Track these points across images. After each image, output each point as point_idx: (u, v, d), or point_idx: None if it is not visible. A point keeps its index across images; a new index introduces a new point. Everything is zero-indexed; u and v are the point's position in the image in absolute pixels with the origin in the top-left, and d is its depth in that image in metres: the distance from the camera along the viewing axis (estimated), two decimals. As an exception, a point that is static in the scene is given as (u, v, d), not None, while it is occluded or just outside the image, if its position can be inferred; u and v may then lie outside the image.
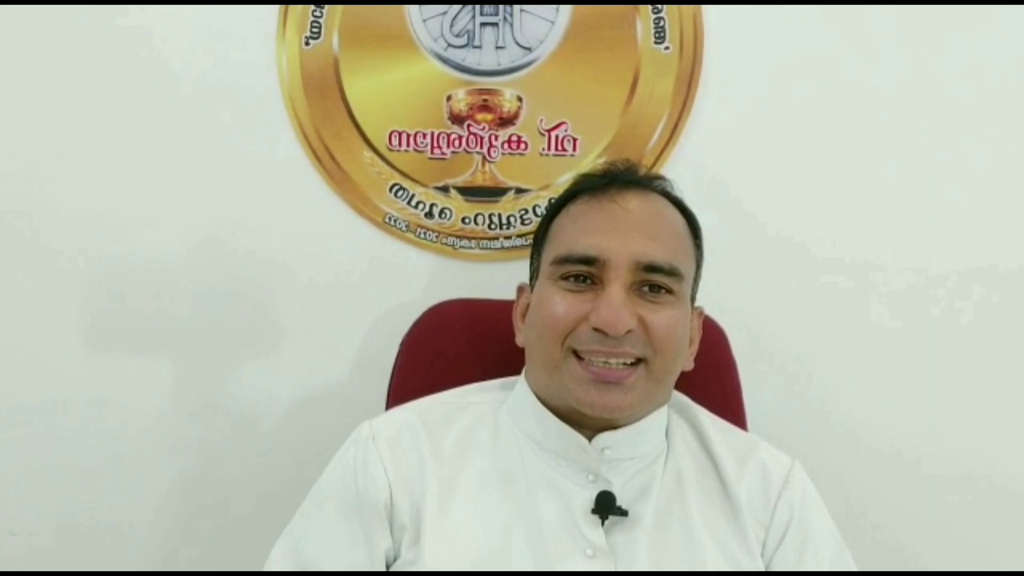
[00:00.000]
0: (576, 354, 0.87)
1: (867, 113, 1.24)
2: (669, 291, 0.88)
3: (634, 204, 0.90)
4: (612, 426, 0.89)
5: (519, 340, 0.96)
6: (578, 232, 0.90)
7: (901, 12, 1.22)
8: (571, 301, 0.87)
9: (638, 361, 0.87)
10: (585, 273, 0.88)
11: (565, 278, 0.89)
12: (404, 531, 0.88)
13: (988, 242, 1.26)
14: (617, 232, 0.88)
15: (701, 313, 0.98)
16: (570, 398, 0.87)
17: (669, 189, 0.95)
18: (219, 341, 1.25)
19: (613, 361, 0.86)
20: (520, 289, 0.99)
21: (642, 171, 0.96)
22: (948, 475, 1.28)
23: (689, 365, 0.94)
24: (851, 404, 1.27)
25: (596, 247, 0.87)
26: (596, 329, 0.85)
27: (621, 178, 0.93)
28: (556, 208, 0.96)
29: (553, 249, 0.91)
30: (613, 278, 0.86)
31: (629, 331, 0.85)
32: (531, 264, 0.98)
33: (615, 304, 0.85)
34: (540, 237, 0.97)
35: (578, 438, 0.89)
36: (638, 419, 0.90)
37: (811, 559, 0.90)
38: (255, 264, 1.25)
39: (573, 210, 0.93)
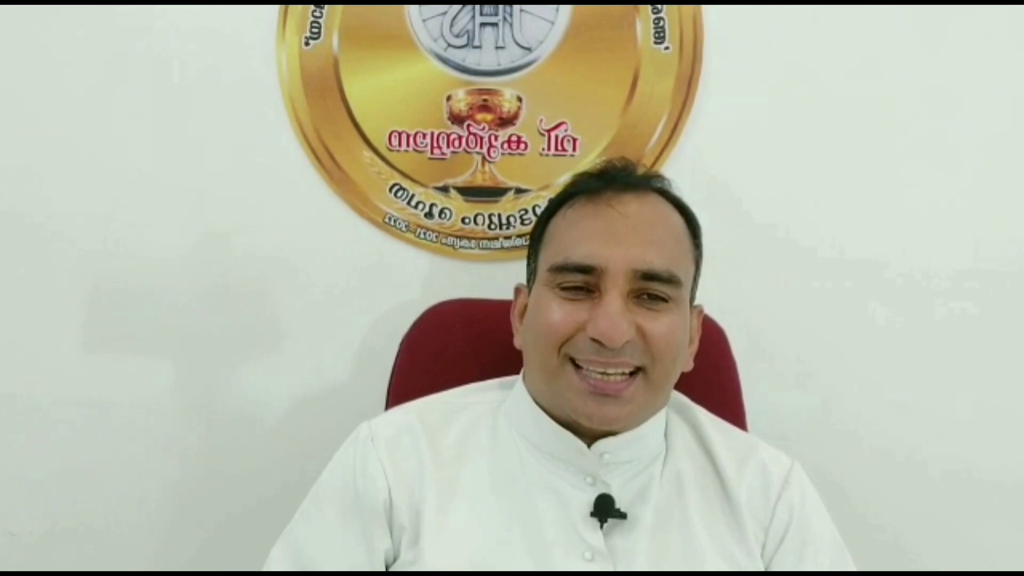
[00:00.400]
0: (573, 363, 0.86)
1: (867, 113, 1.24)
2: (667, 299, 0.87)
3: (632, 208, 0.89)
4: (610, 433, 0.89)
5: (517, 342, 0.96)
6: (575, 238, 0.89)
7: (901, 12, 1.22)
8: (568, 310, 0.86)
9: (636, 370, 0.86)
10: (582, 282, 0.87)
11: (562, 286, 0.88)
12: (403, 532, 0.87)
13: (988, 242, 1.26)
14: (615, 239, 0.87)
15: (701, 312, 0.97)
16: (568, 408, 0.87)
17: (667, 188, 0.94)
18: (219, 341, 1.25)
19: (611, 371, 0.85)
20: (517, 290, 0.99)
21: (640, 170, 0.95)
22: (948, 475, 1.28)
23: (689, 365, 0.93)
24: (851, 404, 1.27)
25: (593, 256, 0.86)
26: (594, 339, 0.84)
27: (618, 179, 0.92)
28: (552, 209, 0.95)
29: (550, 254, 0.91)
30: (611, 287, 0.85)
31: (627, 341, 0.84)
32: (528, 265, 0.98)
33: (612, 315, 0.84)
34: (536, 238, 0.96)
35: (576, 443, 0.89)
36: (637, 425, 0.90)
37: (811, 560, 0.90)
38: (255, 264, 1.25)
39: (570, 213, 0.92)
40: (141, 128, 1.22)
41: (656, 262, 0.86)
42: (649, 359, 0.86)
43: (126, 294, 1.24)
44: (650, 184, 0.93)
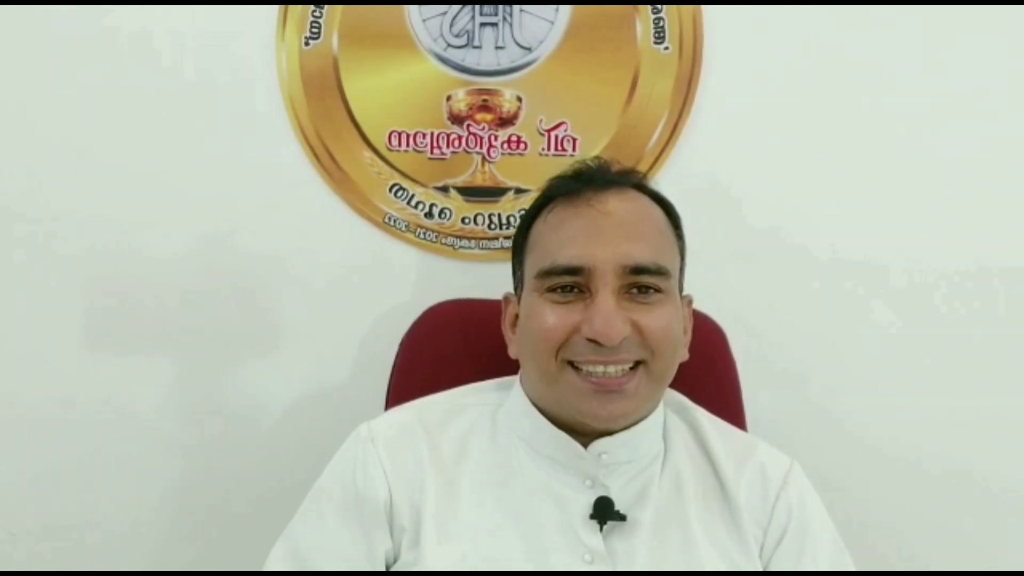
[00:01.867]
0: (572, 365, 0.86)
1: (867, 113, 1.24)
2: (658, 290, 0.87)
3: (612, 205, 0.88)
4: (609, 431, 0.89)
5: (512, 352, 0.95)
6: (560, 242, 0.88)
7: (901, 11, 1.22)
8: (560, 313, 0.86)
9: (637, 364, 0.86)
10: (572, 283, 0.86)
11: (552, 290, 0.87)
12: (404, 532, 0.87)
13: (989, 242, 1.26)
14: (599, 238, 0.86)
15: (690, 301, 0.97)
16: (572, 410, 0.86)
17: (644, 183, 0.94)
18: (219, 341, 1.25)
19: (612, 368, 0.85)
20: (506, 299, 0.98)
21: (615, 167, 0.94)
22: (948, 475, 1.28)
23: (685, 356, 0.93)
24: (851, 405, 1.27)
25: (580, 256, 0.86)
26: (590, 340, 0.84)
27: (596, 178, 0.92)
28: (532, 214, 0.94)
29: (536, 260, 0.90)
30: (601, 286, 0.85)
31: (624, 338, 0.84)
32: (514, 273, 0.97)
33: (606, 313, 0.83)
34: (519, 245, 0.95)
35: (574, 445, 0.89)
36: (636, 422, 0.90)
37: (809, 560, 0.90)
38: (255, 264, 1.25)
39: (551, 218, 0.91)
40: (141, 128, 1.22)
41: (643, 256, 0.86)
42: (648, 352, 0.86)
43: (126, 294, 1.24)
44: (627, 180, 0.93)
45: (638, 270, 0.86)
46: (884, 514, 1.28)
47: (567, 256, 0.86)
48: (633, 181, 0.93)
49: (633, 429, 0.90)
